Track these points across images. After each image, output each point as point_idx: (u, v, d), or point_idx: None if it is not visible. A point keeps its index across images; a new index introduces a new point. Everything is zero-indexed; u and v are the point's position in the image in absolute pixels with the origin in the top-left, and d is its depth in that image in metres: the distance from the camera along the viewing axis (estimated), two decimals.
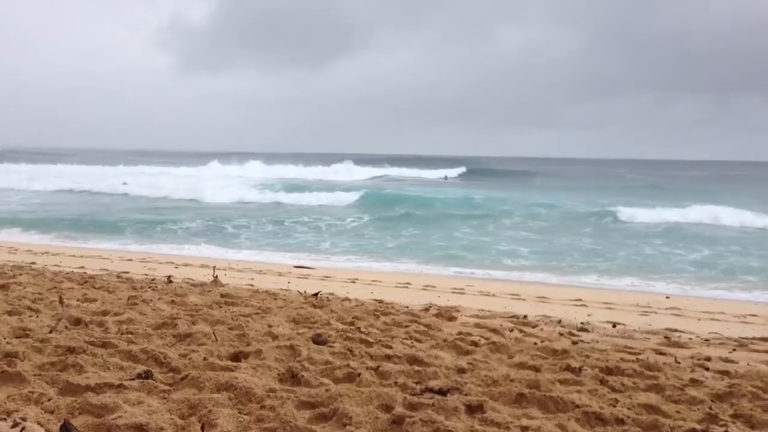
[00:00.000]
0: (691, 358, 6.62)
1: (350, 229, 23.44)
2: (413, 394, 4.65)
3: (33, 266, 12.19)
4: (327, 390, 4.61)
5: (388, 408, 4.36)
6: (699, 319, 9.72)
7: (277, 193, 36.68)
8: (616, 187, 49.60)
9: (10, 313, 6.87)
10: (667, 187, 51.08)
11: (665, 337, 7.83)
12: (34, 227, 22.07)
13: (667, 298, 11.96)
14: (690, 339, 7.88)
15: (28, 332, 5.98)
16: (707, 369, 6.07)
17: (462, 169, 69.28)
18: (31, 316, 6.84)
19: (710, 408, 4.69)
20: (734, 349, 7.27)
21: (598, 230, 23.54)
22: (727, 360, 6.60)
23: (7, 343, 5.45)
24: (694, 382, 5.42)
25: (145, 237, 20.78)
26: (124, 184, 41.60)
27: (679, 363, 6.26)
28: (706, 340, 7.92)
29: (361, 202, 32.87)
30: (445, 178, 64.54)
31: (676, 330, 8.47)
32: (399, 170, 68.22)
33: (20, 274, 10.16)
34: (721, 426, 4.28)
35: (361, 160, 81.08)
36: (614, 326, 8.63)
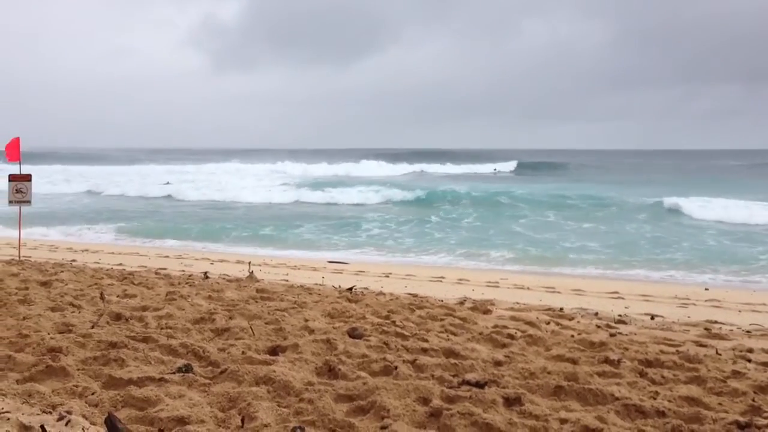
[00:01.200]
0: (733, 349, 6.50)
1: (413, 226, 22.88)
2: (450, 387, 4.64)
3: (74, 263, 12.45)
4: (364, 383, 4.63)
5: (425, 401, 4.37)
6: (739, 311, 9.55)
7: (328, 191, 35.58)
8: (667, 179, 47.68)
9: (53, 309, 7.03)
10: (726, 178, 49.10)
11: (705, 329, 7.71)
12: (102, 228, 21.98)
13: (706, 289, 11.77)
14: (731, 330, 7.74)
15: (70, 328, 6.11)
16: (749, 360, 5.96)
17: (513, 164, 67.41)
18: (73, 312, 6.98)
19: (753, 400, 4.61)
20: None
21: (665, 225, 22.78)
22: None
23: (51, 338, 5.57)
24: (737, 374, 5.32)
25: (240, 241, 19.99)
26: (167, 183, 41.81)
27: (720, 355, 6.16)
28: (748, 331, 7.77)
29: (418, 200, 31.98)
30: (495, 171, 63.32)
31: (716, 322, 8.34)
32: (441, 166, 66.48)
33: (62, 271, 10.38)
34: (765, 418, 4.21)
35: (392, 155, 79.86)
36: (652, 318, 8.52)
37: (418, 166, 64.50)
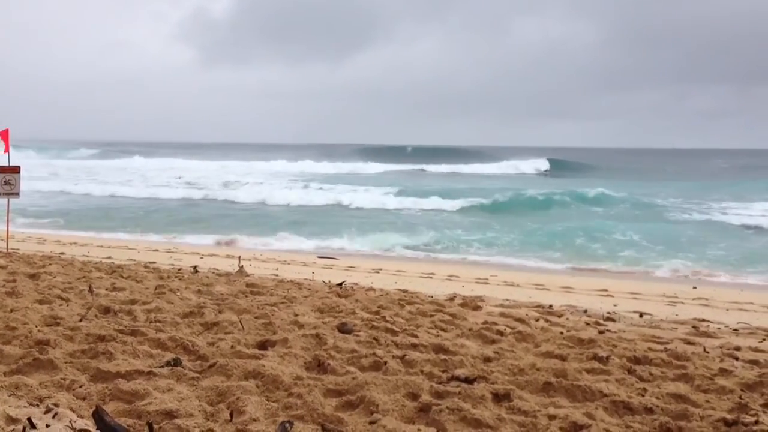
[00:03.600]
0: (720, 347, 6.55)
1: (478, 231, 20.89)
2: (440, 383, 4.65)
3: (62, 256, 12.38)
4: (354, 378, 4.63)
5: (414, 396, 4.37)
6: (727, 309, 9.61)
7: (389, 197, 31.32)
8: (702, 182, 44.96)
9: (40, 302, 6.98)
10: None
11: (693, 327, 7.76)
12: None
13: (694, 288, 11.84)
14: (718, 329, 7.79)
15: (58, 320, 6.08)
16: (737, 359, 6.00)
17: (543, 162, 62.36)
18: (61, 304, 6.94)
19: (740, 397, 4.64)
20: (764, 339, 7.17)
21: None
22: (756, 350, 6.51)
23: (39, 331, 5.54)
24: (724, 372, 5.36)
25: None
26: (179, 177, 41.06)
27: (707, 353, 6.20)
28: (735, 329, 7.82)
29: (478, 206, 28.26)
30: (546, 172, 59.31)
31: (704, 320, 8.39)
32: (471, 166, 60.17)
33: (50, 264, 10.31)
34: (752, 415, 4.23)
35: (396, 151, 76.74)
36: (641, 316, 8.56)
37: (451, 167, 59.20)
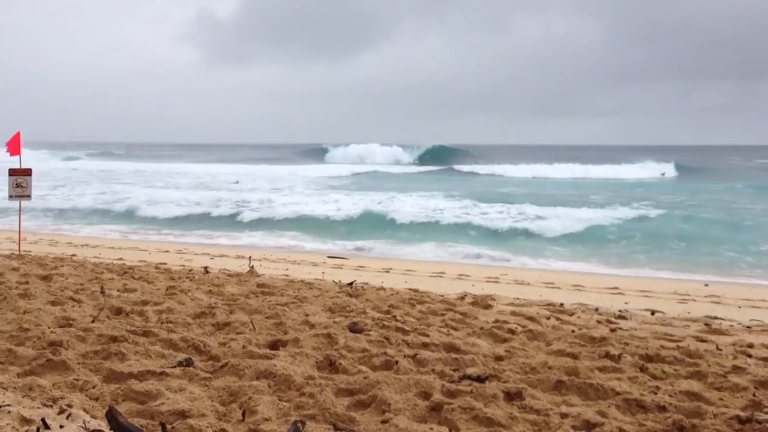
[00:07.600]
0: (733, 345, 6.51)
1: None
2: (451, 382, 4.64)
3: (74, 258, 12.44)
4: (365, 377, 4.63)
5: (426, 395, 4.37)
6: (739, 307, 9.55)
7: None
8: None
9: (53, 303, 7.02)
10: None
11: (705, 325, 7.71)
12: None
13: (706, 285, 11.76)
14: (731, 326, 7.75)
15: (71, 322, 6.11)
16: (750, 356, 5.96)
17: (671, 166, 55.26)
18: (73, 306, 6.98)
19: (754, 395, 4.61)
20: None
21: None
22: None
23: (51, 332, 5.57)
24: (737, 369, 5.32)
25: None
26: (236, 182, 40.62)
27: (720, 350, 6.16)
28: (748, 327, 7.78)
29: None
30: (663, 174, 53.45)
31: (716, 317, 8.34)
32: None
33: (62, 266, 10.36)
34: (766, 413, 4.20)
35: (425, 150, 71.28)
36: (653, 314, 8.52)
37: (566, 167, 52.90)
